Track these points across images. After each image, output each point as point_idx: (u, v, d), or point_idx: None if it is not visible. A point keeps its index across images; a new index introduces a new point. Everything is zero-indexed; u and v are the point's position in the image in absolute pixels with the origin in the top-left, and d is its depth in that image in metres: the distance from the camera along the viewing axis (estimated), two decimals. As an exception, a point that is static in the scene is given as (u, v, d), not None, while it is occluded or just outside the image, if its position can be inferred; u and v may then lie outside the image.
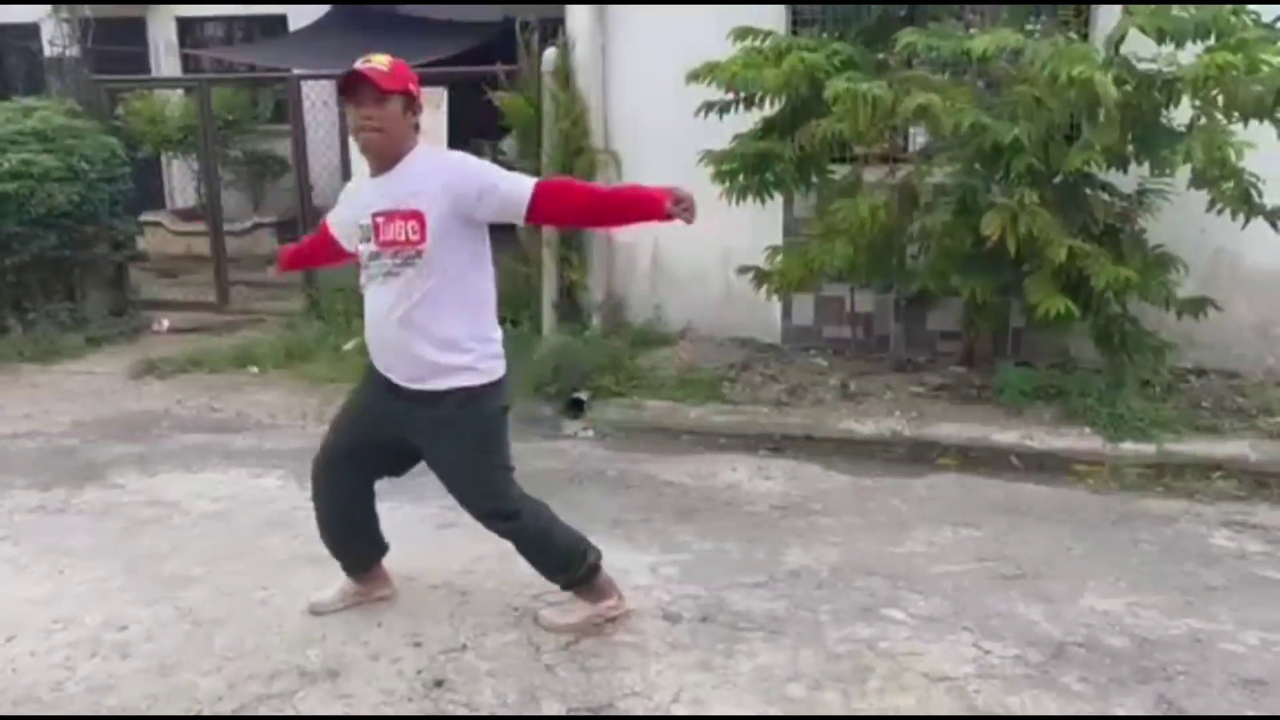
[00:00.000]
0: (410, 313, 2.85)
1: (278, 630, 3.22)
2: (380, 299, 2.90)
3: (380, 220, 2.85)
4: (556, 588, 3.22)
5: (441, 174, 2.83)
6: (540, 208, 2.82)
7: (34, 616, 3.32)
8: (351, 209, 3.02)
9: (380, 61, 2.81)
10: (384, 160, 2.87)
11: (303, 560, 3.72)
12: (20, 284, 6.86)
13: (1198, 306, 5.11)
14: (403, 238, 2.81)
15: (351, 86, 2.79)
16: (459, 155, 2.93)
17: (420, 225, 2.79)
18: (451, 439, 2.97)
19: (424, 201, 2.79)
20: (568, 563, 3.15)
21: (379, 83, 2.76)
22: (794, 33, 5.86)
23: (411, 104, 2.86)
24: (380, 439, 3.08)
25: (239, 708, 2.83)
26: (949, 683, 2.90)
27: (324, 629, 3.22)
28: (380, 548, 3.36)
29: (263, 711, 2.81)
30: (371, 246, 2.89)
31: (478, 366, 2.92)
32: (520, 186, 2.82)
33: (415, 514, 4.16)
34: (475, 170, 2.86)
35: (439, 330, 2.86)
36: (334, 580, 3.39)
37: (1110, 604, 3.35)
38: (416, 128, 2.89)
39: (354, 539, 3.30)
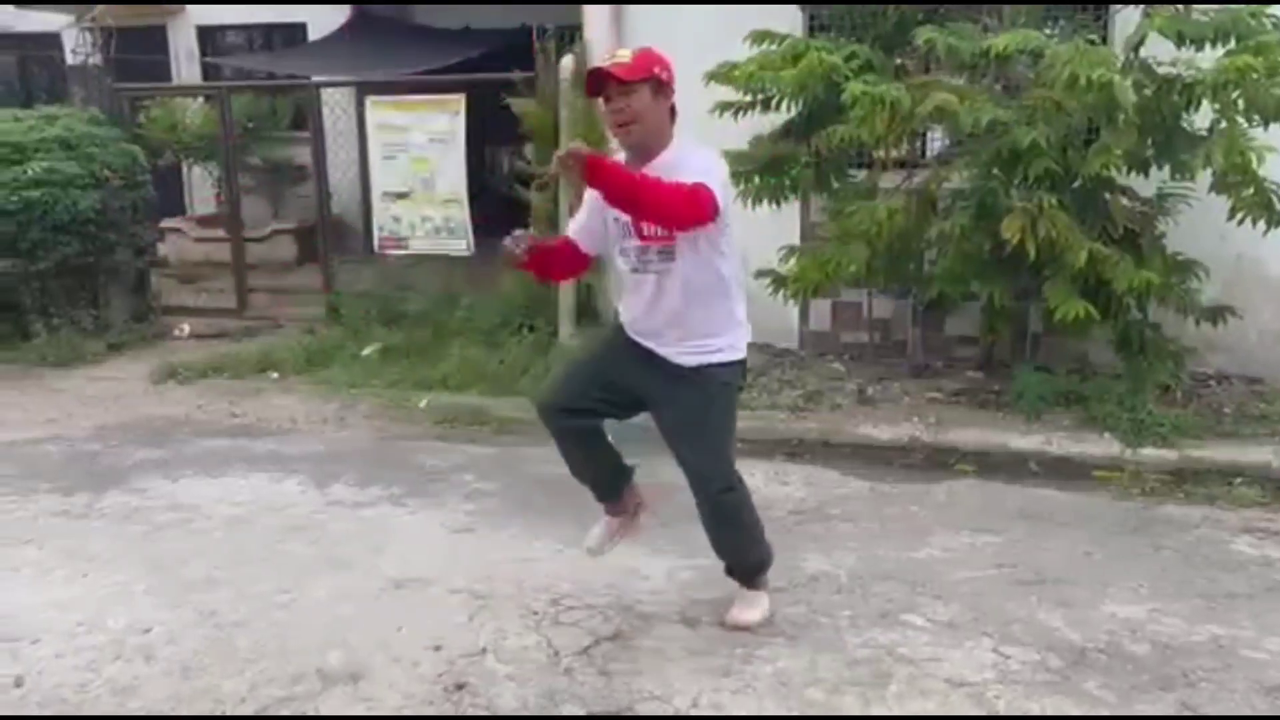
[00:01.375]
0: (670, 302, 2.97)
1: (299, 633, 3.24)
2: (644, 290, 3.01)
3: None
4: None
5: (684, 161, 2.87)
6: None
7: (59, 620, 3.35)
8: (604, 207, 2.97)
9: (623, 55, 2.87)
10: (642, 153, 2.90)
11: (323, 564, 3.75)
12: (44, 290, 6.93)
13: (1217, 315, 5.08)
14: (658, 232, 2.91)
15: (596, 84, 2.86)
16: (700, 151, 2.95)
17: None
18: (701, 408, 3.06)
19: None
20: (762, 546, 3.26)
21: (619, 74, 2.81)
22: (810, 37, 5.87)
23: (661, 88, 2.88)
24: (620, 382, 3.14)
25: (261, 709, 2.85)
26: (969, 688, 2.89)
27: (345, 633, 3.24)
28: (627, 469, 3.38)
29: (284, 713, 2.83)
30: (633, 241, 2.98)
31: (734, 345, 3.07)
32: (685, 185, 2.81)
33: (433, 519, 4.19)
34: (698, 168, 2.85)
35: (696, 317, 2.99)
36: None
37: (1131, 610, 3.34)
38: (673, 112, 2.93)
39: (602, 466, 3.33)
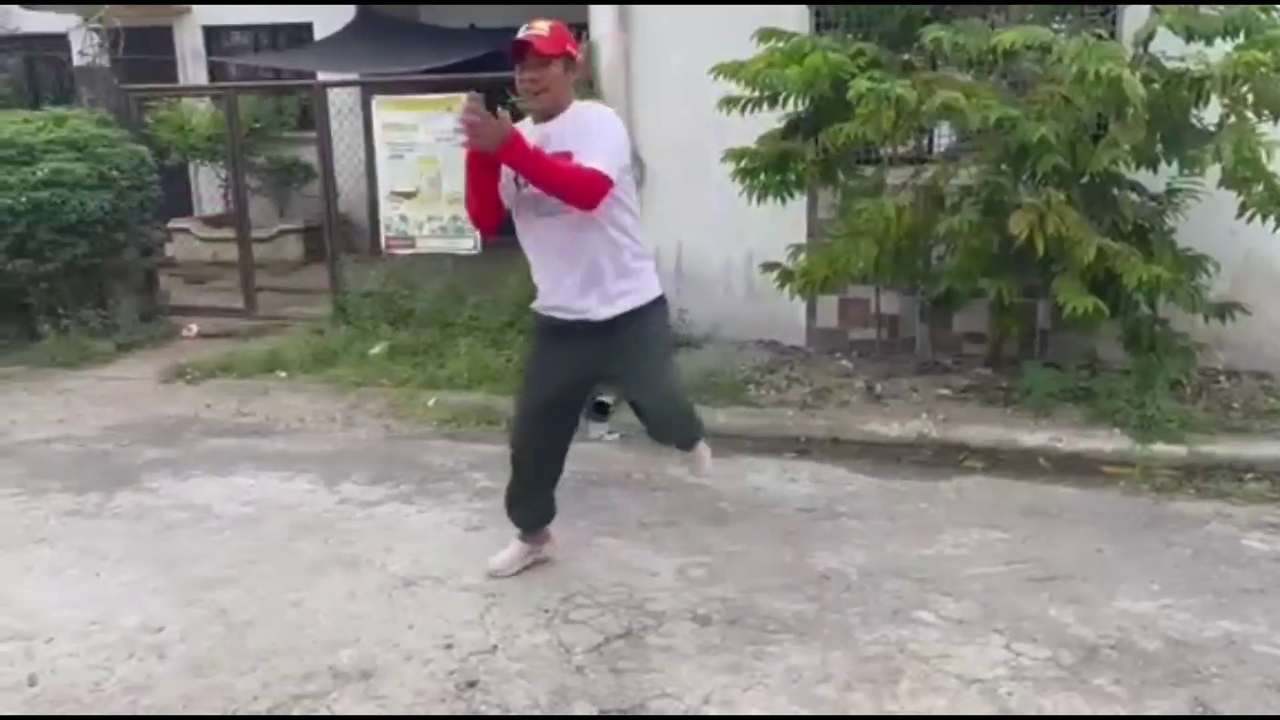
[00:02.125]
0: (582, 244, 3.17)
1: (310, 631, 3.25)
2: (557, 240, 3.19)
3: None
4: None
5: (586, 125, 3.12)
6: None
7: (72, 618, 3.36)
8: None
9: (541, 28, 3.09)
10: (544, 116, 3.16)
11: (334, 562, 3.76)
12: (53, 290, 6.94)
13: (1225, 311, 5.07)
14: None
15: (517, 52, 3.07)
16: (599, 112, 3.25)
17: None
18: (646, 352, 3.31)
19: (572, 144, 3.06)
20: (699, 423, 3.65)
21: (540, 47, 3.04)
22: (817, 35, 5.86)
23: (571, 64, 3.14)
24: (576, 379, 3.38)
25: (273, 707, 2.86)
26: (981, 684, 2.89)
27: (356, 631, 3.25)
28: (554, 508, 3.68)
29: (297, 712, 2.84)
30: (532, 190, 3.12)
31: (649, 286, 3.31)
32: (587, 163, 3.03)
33: (443, 517, 4.20)
34: (597, 131, 3.10)
35: (609, 261, 3.20)
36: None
37: (1143, 606, 3.33)
38: (575, 82, 3.20)
39: (546, 503, 3.63)
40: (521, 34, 3.07)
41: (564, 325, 3.25)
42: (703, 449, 3.70)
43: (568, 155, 3.04)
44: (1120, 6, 5.53)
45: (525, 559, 3.64)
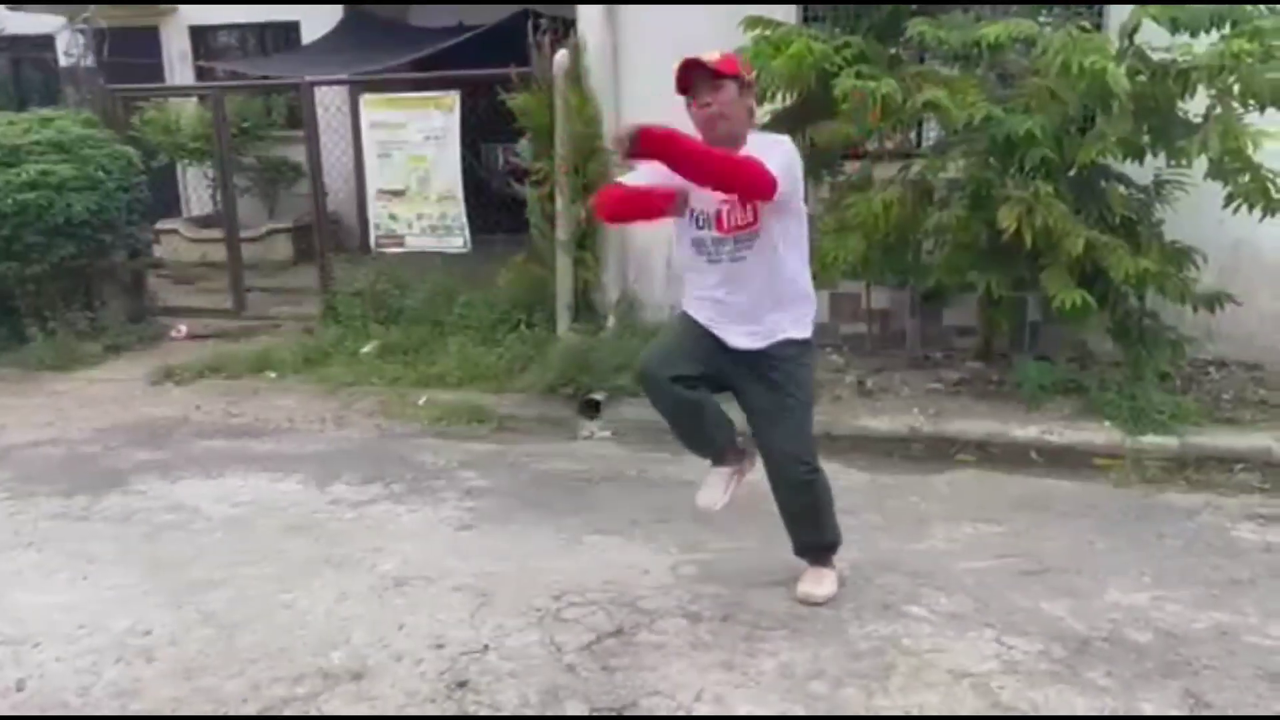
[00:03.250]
0: (745, 292, 3.10)
1: (301, 633, 3.24)
2: (715, 278, 3.12)
3: (725, 208, 3.02)
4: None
5: (760, 146, 3.01)
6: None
7: (60, 622, 3.34)
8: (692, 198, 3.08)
9: (710, 54, 2.96)
10: (726, 144, 2.98)
11: (324, 563, 3.74)
12: (40, 293, 6.90)
13: (1214, 302, 5.08)
14: (742, 222, 3.03)
15: (687, 77, 2.96)
16: (774, 139, 3.11)
17: (754, 209, 3.01)
18: (778, 389, 3.17)
19: None
20: (836, 525, 3.37)
21: (715, 66, 2.93)
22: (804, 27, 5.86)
23: (745, 88, 3.03)
24: (707, 360, 3.16)
25: (263, 709, 2.84)
26: (973, 679, 2.89)
27: (347, 632, 3.23)
28: (730, 423, 3.34)
29: (287, 714, 2.82)
30: (713, 233, 3.07)
31: (800, 322, 3.19)
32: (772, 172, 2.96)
33: (434, 516, 4.19)
34: (771, 148, 3.01)
35: (769, 305, 3.12)
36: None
37: (1134, 598, 3.33)
38: (751, 112, 3.08)
39: (713, 423, 3.27)
40: (683, 60, 2.96)
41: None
42: (822, 574, 3.37)
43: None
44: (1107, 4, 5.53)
45: (729, 485, 3.37)
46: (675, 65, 2.98)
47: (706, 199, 3.04)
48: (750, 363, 3.16)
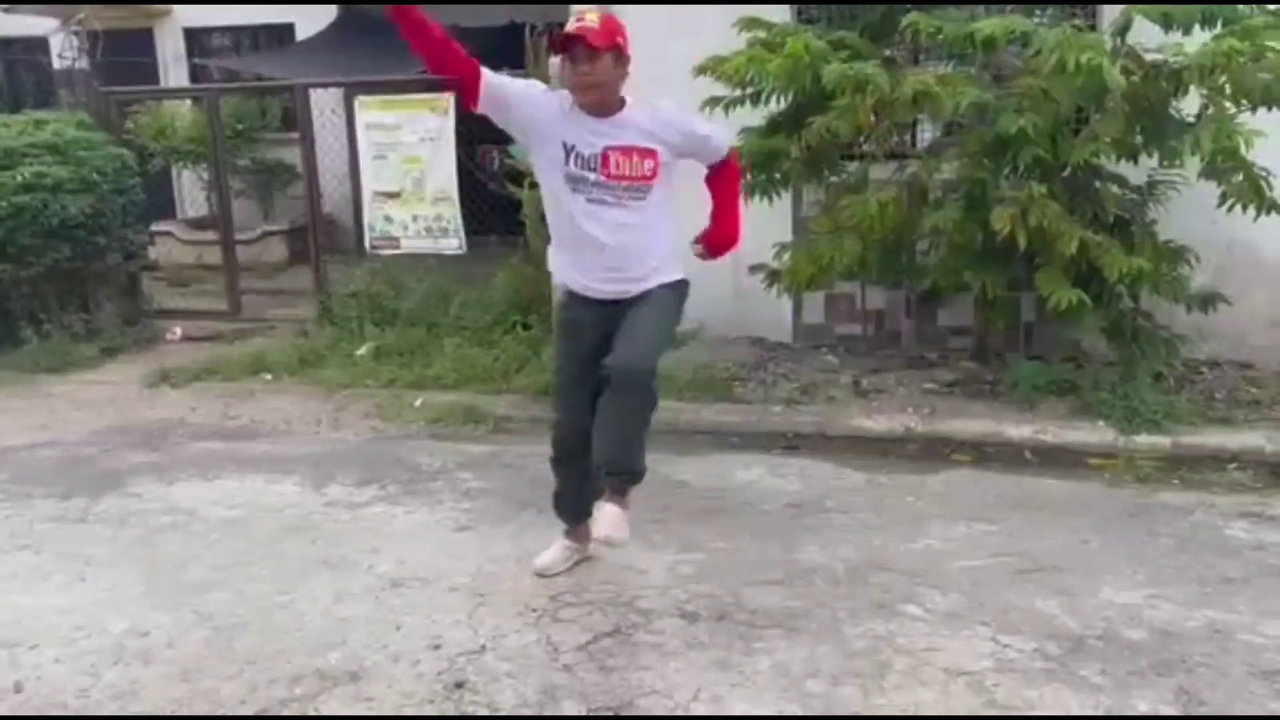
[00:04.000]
0: (633, 233, 3.20)
1: (298, 634, 3.24)
2: (598, 225, 3.19)
3: (614, 154, 3.14)
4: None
5: (666, 121, 3.22)
6: (723, 169, 3.45)
7: (57, 624, 3.34)
8: (557, 125, 3.16)
9: (590, 20, 3.08)
10: (602, 109, 3.16)
11: (321, 564, 3.75)
12: (35, 295, 6.89)
13: (1207, 302, 5.10)
14: (636, 173, 3.17)
15: (567, 46, 3.07)
16: (668, 104, 3.31)
17: (655, 163, 3.17)
18: (647, 311, 3.25)
19: (655, 143, 3.17)
20: (644, 457, 3.33)
21: (592, 41, 3.04)
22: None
23: (621, 56, 3.15)
24: (599, 344, 3.26)
25: (261, 711, 2.85)
26: (968, 677, 2.90)
27: (344, 633, 3.24)
28: (596, 490, 3.37)
29: (285, 714, 2.83)
30: (594, 175, 3.16)
31: (677, 267, 3.35)
32: (722, 142, 3.41)
33: (431, 518, 4.19)
34: (687, 119, 3.36)
35: (654, 247, 3.26)
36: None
37: (1128, 597, 3.35)
38: (624, 77, 3.19)
39: (588, 489, 3.44)
40: (570, 27, 3.07)
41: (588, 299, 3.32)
42: (621, 515, 3.21)
43: (651, 152, 3.15)
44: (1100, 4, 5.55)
45: (571, 556, 3.60)
46: (558, 35, 3.11)
47: (587, 138, 3.14)
48: (623, 307, 3.24)
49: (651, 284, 3.26)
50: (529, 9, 7.78)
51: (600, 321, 3.28)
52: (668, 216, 3.28)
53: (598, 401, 3.21)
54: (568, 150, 3.15)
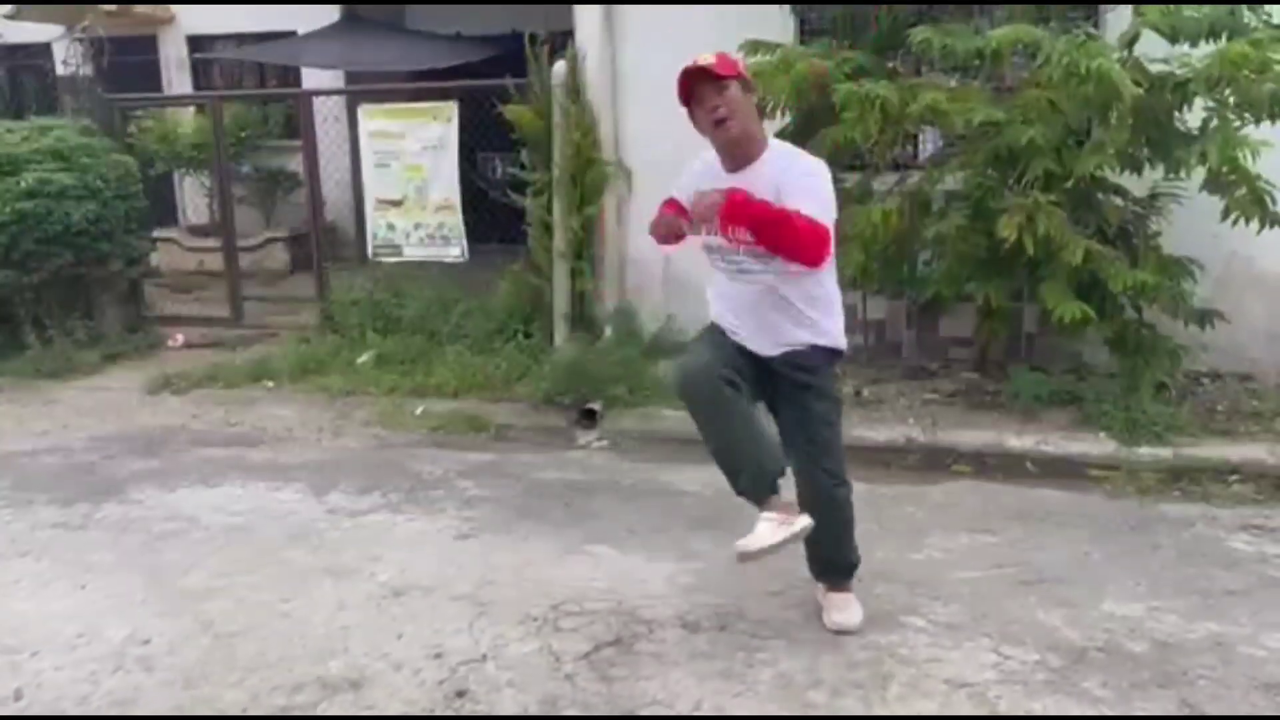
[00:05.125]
0: (761, 305, 3.01)
1: (300, 642, 3.24)
2: (734, 289, 3.05)
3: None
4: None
5: (792, 171, 2.91)
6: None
7: (58, 631, 3.34)
8: (694, 189, 3.02)
9: (706, 57, 2.89)
10: (740, 153, 2.94)
11: (323, 572, 3.75)
12: (38, 301, 6.90)
13: (1205, 319, 5.11)
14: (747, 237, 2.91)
15: (689, 85, 2.89)
16: (808, 159, 3.01)
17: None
18: (804, 399, 3.08)
19: (769, 195, 2.86)
20: (856, 547, 3.28)
21: (715, 69, 2.85)
22: (803, 43, 5.89)
23: (748, 86, 2.95)
24: (744, 371, 3.05)
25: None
26: (970, 689, 2.90)
27: (346, 641, 3.24)
28: (779, 454, 3.09)
29: (289, 714, 2.83)
30: (717, 240, 2.99)
31: (828, 332, 3.08)
32: (817, 222, 2.85)
33: (432, 526, 4.19)
34: (807, 186, 2.90)
35: (788, 319, 3.02)
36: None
37: (1130, 609, 3.35)
38: (761, 111, 2.99)
39: (762, 443, 3.04)
40: (685, 67, 2.90)
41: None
42: (848, 600, 3.25)
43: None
44: (1102, 11, 5.56)
45: (777, 534, 2.97)
46: (678, 75, 2.91)
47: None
48: (774, 368, 3.07)
49: (797, 345, 3.03)
50: (532, 18, 7.81)
51: (747, 357, 3.07)
52: (810, 290, 3.02)
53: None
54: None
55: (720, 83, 2.87)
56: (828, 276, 3.08)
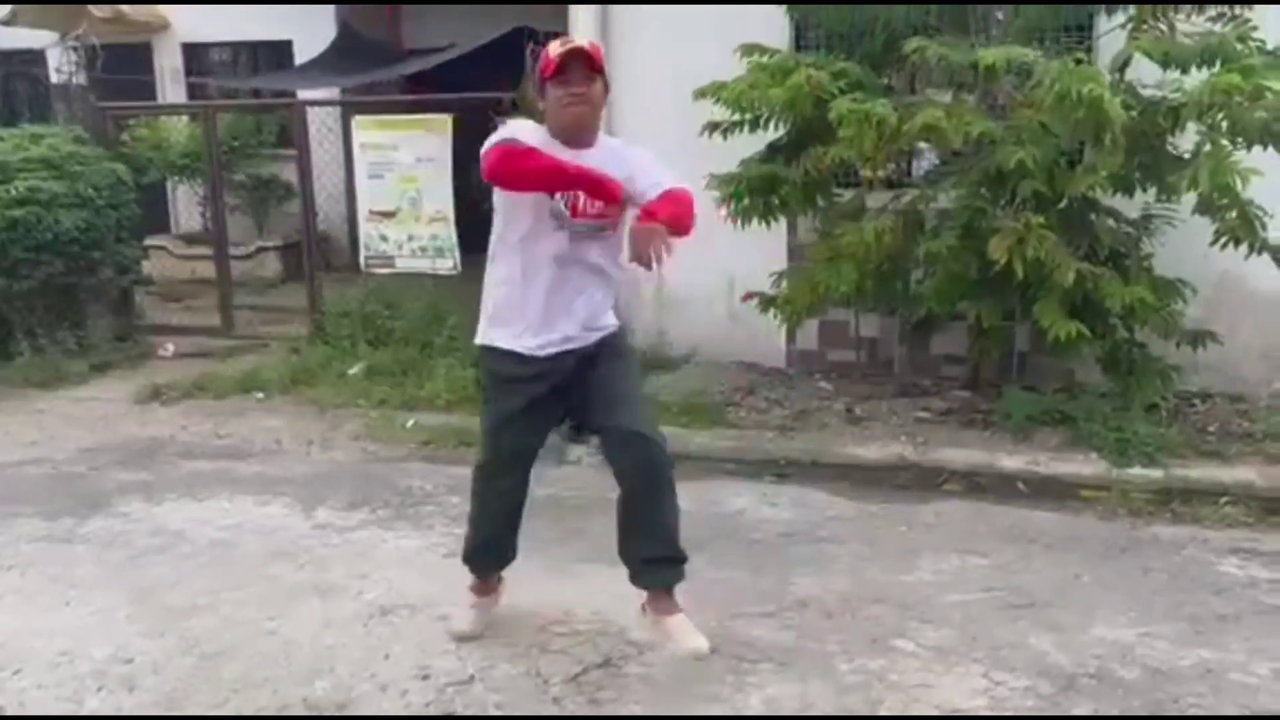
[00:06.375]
0: (585, 283, 3.06)
1: (285, 662, 3.21)
2: (554, 276, 3.03)
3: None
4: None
5: (635, 159, 3.04)
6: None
7: (41, 649, 3.31)
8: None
9: (583, 41, 3.00)
10: (583, 136, 3.01)
11: (310, 589, 3.72)
12: (27, 310, 6.86)
13: (1198, 339, 5.12)
14: (593, 208, 2.99)
15: (566, 62, 2.90)
16: (636, 148, 3.15)
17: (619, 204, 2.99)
18: (623, 373, 3.17)
19: (619, 173, 2.94)
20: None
21: (596, 57, 2.91)
22: (798, 50, 5.89)
23: (606, 86, 3.03)
24: (551, 413, 3.21)
25: (246, 742, 2.82)
26: (961, 716, 2.88)
27: (332, 661, 3.21)
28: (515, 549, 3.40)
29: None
30: (566, 219, 3.00)
31: (616, 315, 3.22)
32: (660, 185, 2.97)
33: (421, 542, 4.17)
34: (644, 159, 3.06)
35: (609, 289, 3.15)
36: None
37: (1121, 634, 3.34)
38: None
39: (511, 536, 3.35)
40: (564, 45, 2.92)
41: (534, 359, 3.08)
42: (684, 621, 3.11)
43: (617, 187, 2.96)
44: (1096, 35, 5.58)
45: (483, 616, 3.38)
46: (557, 52, 2.89)
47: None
48: (586, 361, 3.09)
49: (605, 330, 3.14)
50: (532, 17, 7.80)
51: (550, 388, 3.11)
52: (615, 261, 3.14)
53: (619, 497, 3.13)
54: (549, 199, 3.00)
55: (593, 73, 2.93)
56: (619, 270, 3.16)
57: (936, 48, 4.80)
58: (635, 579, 3.20)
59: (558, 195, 2.97)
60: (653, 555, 3.14)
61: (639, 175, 2.96)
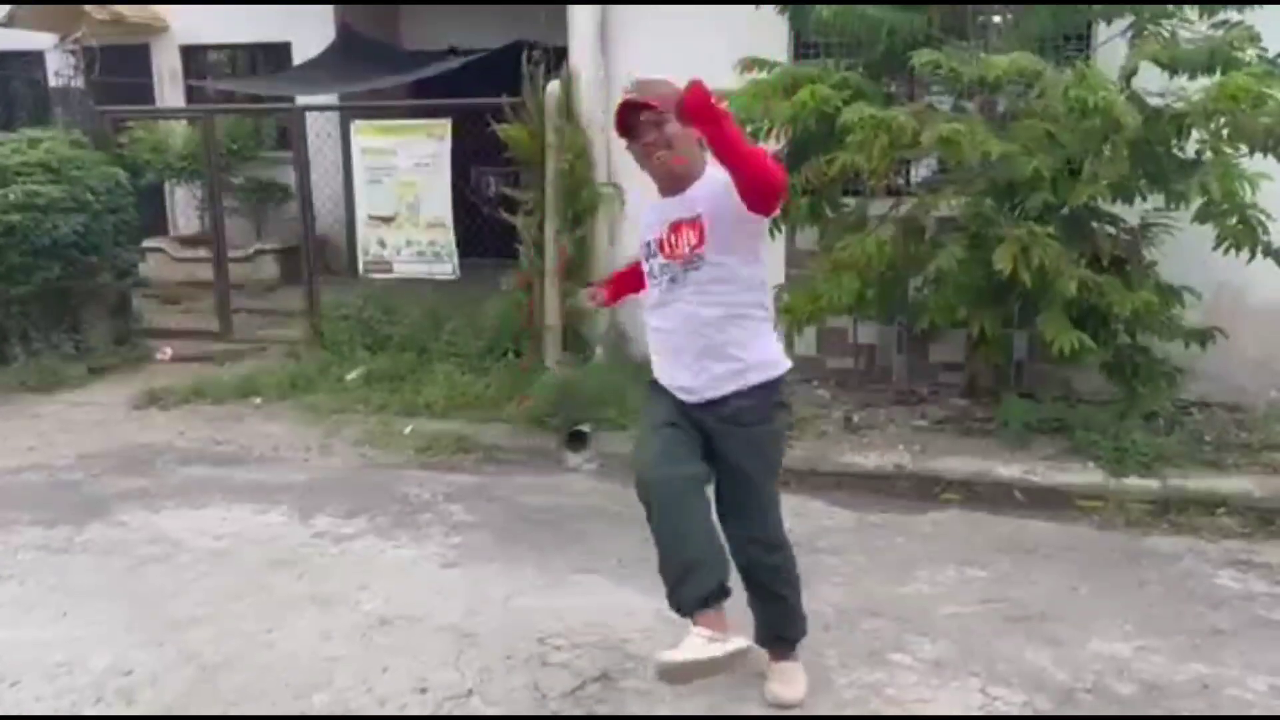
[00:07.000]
0: (694, 322, 2.82)
1: (284, 674, 3.21)
2: (668, 319, 2.88)
3: (668, 234, 2.84)
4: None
5: (714, 182, 2.76)
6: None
7: (39, 660, 3.31)
8: (644, 231, 2.97)
9: (648, 86, 2.79)
10: (677, 183, 2.84)
11: (308, 600, 3.72)
12: (25, 314, 6.86)
13: (1204, 337, 5.11)
14: (686, 248, 2.80)
15: (623, 119, 2.78)
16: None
17: (699, 231, 2.77)
18: (741, 449, 2.87)
19: (700, 207, 2.77)
20: (803, 617, 3.11)
21: (652, 102, 2.72)
22: (798, 61, 5.89)
23: (684, 118, 2.67)
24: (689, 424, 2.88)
25: (245, 756, 2.82)
26: (957, 730, 2.89)
27: (330, 674, 3.21)
28: (725, 557, 2.85)
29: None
30: (658, 260, 2.88)
31: (767, 362, 2.87)
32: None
33: (419, 552, 4.17)
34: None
35: (723, 335, 2.81)
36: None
37: (1118, 648, 3.34)
38: (703, 144, 2.70)
39: (713, 547, 2.81)
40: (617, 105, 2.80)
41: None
42: (793, 670, 3.07)
43: (695, 221, 2.76)
44: (1096, 44, 5.58)
45: (708, 651, 2.68)
46: (615, 113, 2.79)
47: (654, 226, 2.89)
48: (703, 417, 2.84)
49: (729, 387, 2.80)
50: (529, 31, 7.79)
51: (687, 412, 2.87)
52: (745, 290, 2.82)
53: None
54: (643, 244, 2.92)
55: (658, 115, 2.72)
56: (764, 298, 2.90)
57: (946, 60, 4.79)
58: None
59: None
60: (769, 634, 3.11)
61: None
